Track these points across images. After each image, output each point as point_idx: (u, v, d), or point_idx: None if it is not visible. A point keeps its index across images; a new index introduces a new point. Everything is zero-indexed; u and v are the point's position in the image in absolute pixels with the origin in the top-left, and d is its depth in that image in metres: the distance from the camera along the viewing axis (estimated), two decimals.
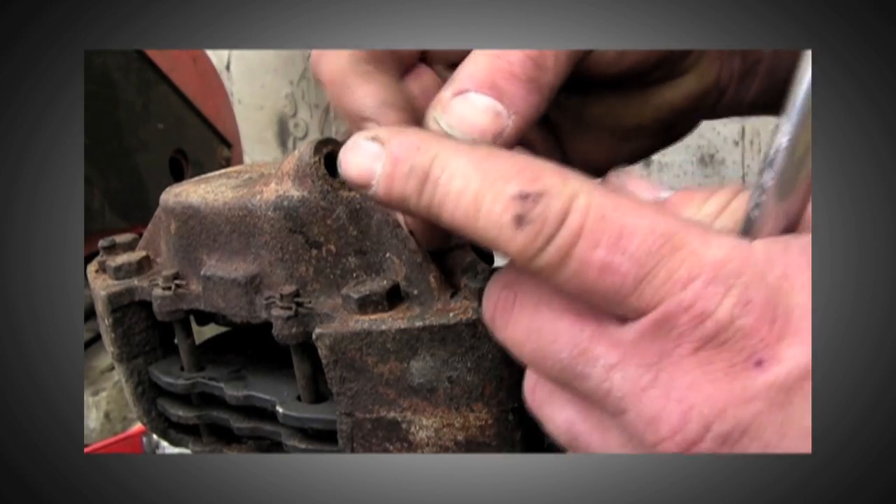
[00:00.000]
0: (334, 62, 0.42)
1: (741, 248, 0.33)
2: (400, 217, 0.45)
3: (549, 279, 0.34)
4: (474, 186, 0.34)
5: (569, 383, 0.36)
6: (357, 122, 0.43)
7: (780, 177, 0.34)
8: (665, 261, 0.33)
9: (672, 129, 0.55)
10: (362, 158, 0.38)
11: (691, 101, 0.53)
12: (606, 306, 0.34)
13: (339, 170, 0.39)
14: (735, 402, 0.32)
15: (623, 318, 0.34)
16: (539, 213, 0.33)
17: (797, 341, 0.32)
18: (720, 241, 0.33)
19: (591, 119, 0.49)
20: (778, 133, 0.33)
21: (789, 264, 0.33)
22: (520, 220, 0.33)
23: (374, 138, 0.38)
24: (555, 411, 0.39)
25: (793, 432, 0.32)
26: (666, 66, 0.51)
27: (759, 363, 0.32)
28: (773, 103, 0.42)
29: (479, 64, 0.40)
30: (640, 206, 0.34)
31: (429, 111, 0.41)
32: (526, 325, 0.37)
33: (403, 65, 0.46)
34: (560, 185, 0.34)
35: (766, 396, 0.32)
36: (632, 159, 0.55)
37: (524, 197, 0.33)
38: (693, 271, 0.32)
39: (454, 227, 0.36)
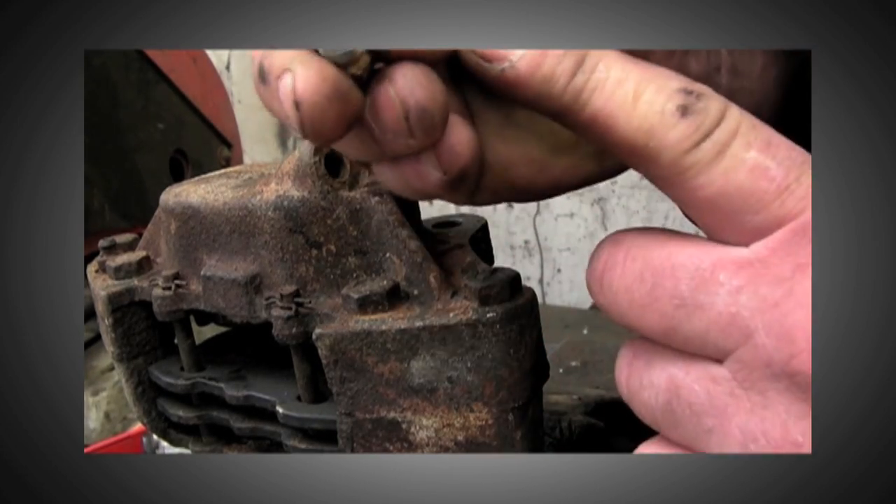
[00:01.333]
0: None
1: None
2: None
3: (696, 177, 0.34)
4: (636, 77, 0.35)
5: (683, 324, 0.35)
6: (275, 73, 0.36)
7: None
8: (808, 175, 0.34)
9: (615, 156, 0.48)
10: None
11: None
12: (744, 214, 0.34)
13: None
14: None
15: (751, 238, 0.34)
16: (702, 107, 0.34)
17: None
18: None
19: (523, 118, 0.42)
20: None
21: None
22: (684, 110, 0.34)
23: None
24: (654, 375, 0.37)
25: None
26: None
27: None
28: None
29: None
30: (777, 132, 0.35)
31: None
32: (639, 269, 0.36)
33: None
34: (715, 93, 0.35)
35: None
36: (558, 187, 0.45)
37: (689, 92, 0.34)
38: None
39: (596, 119, 0.35)
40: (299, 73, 0.33)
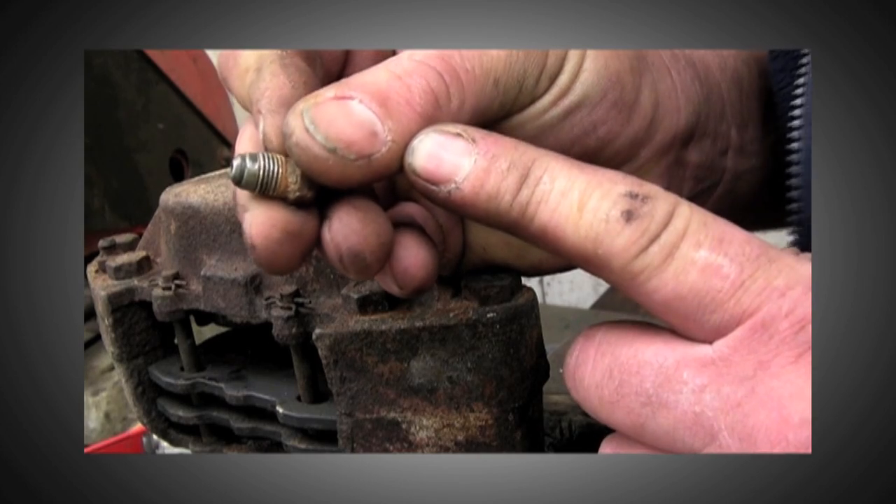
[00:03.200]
0: (258, 51, 0.39)
1: None
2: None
3: (647, 281, 0.34)
4: (580, 186, 0.34)
5: (649, 422, 0.35)
6: (254, 115, 0.38)
7: None
8: (763, 269, 0.33)
9: None
10: (447, 152, 0.35)
11: None
12: (700, 315, 0.34)
13: (408, 161, 0.35)
14: None
15: (712, 337, 0.34)
16: (647, 211, 0.33)
17: None
18: (809, 261, 0.34)
19: None
20: None
21: None
22: (629, 216, 0.33)
23: (458, 134, 0.35)
24: None
25: None
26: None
27: None
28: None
29: (376, 77, 0.35)
30: (733, 224, 0.34)
31: (297, 103, 0.35)
32: (607, 365, 0.36)
33: (328, 78, 0.41)
34: (664, 192, 0.34)
35: None
36: (540, 270, 0.48)
37: (634, 196, 0.34)
38: (791, 280, 0.33)
39: (545, 231, 0.35)
40: (250, 217, 0.35)
